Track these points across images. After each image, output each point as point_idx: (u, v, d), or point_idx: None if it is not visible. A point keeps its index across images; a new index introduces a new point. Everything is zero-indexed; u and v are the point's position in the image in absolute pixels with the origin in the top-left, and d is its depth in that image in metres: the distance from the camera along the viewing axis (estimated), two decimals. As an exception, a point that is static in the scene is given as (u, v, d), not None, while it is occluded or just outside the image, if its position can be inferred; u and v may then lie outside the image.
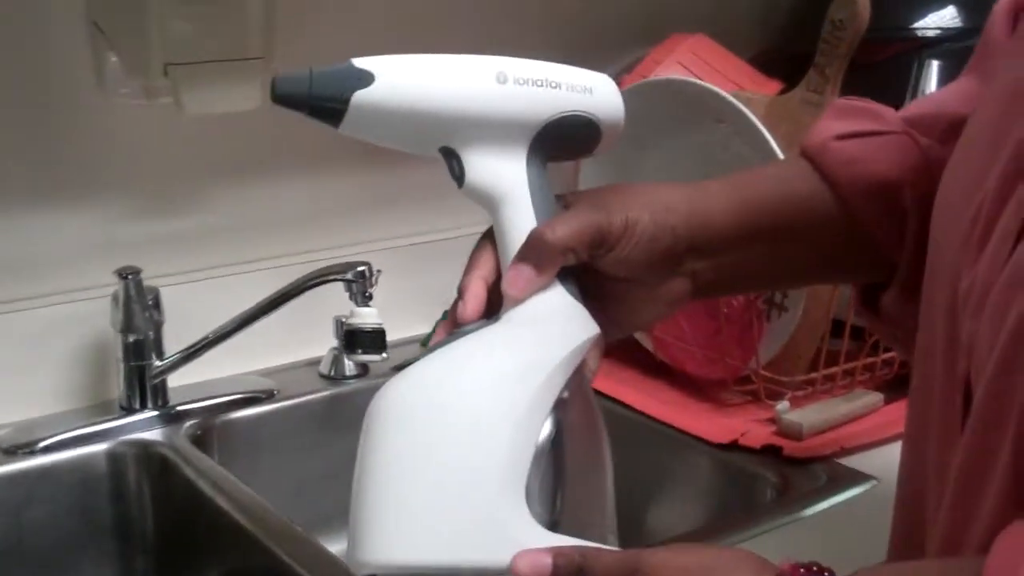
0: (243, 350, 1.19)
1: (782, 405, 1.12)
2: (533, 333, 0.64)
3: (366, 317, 1.05)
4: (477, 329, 0.65)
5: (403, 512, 0.59)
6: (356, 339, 1.05)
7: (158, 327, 1.12)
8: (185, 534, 1.07)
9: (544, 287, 0.66)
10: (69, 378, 1.14)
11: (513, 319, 0.65)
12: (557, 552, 0.58)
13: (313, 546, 0.92)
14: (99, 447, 1.08)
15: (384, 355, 1.07)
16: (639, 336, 1.25)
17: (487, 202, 0.67)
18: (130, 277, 1.07)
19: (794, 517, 0.96)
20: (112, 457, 1.08)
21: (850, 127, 0.74)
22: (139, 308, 1.09)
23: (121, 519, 1.09)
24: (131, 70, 1.09)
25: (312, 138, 1.17)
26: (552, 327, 0.65)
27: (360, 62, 0.64)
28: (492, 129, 0.66)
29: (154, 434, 1.11)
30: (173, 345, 1.13)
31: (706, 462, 1.09)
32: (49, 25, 1.09)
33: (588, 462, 0.66)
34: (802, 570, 0.55)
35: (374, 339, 1.05)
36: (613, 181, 1.22)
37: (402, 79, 0.64)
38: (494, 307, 0.67)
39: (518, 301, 0.65)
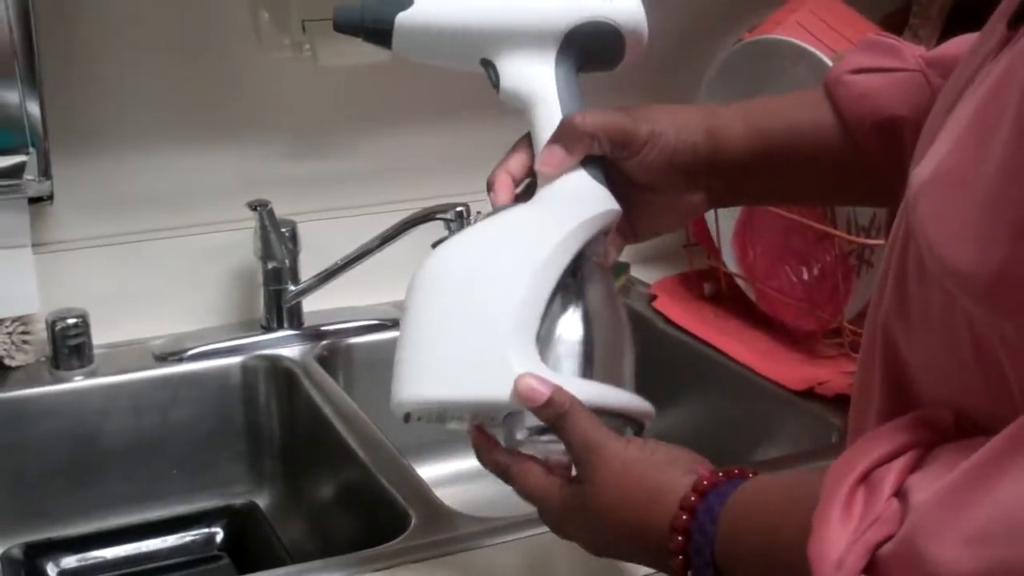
0: (379, 282, 1.30)
1: (868, 358, 1.15)
2: (552, 205, 0.73)
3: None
4: (508, 208, 0.74)
5: (425, 357, 0.69)
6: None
7: (294, 256, 1.24)
8: (305, 444, 1.19)
9: (572, 167, 0.74)
10: (219, 298, 1.29)
11: (538, 197, 0.74)
12: (557, 390, 0.65)
13: (406, 470, 1.01)
14: (235, 359, 1.22)
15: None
16: (744, 287, 1.30)
17: (522, 104, 0.76)
18: (259, 208, 1.20)
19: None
20: (245, 369, 1.22)
21: (868, 62, 0.78)
22: (275, 238, 1.22)
23: (251, 425, 1.22)
24: (277, 25, 1.22)
25: (440, 91, 1.28)
26: (571, 201, 0.73)
27: None
28: (520, 38, 0.75)
29: (286, 351, 1.23)
30: (309, 274, 1.26)
31: (784, 406, 1.14)
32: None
33: (612, 335, 0.73)
34: (720, 474, 0.62)
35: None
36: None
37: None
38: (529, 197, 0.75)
39: (549, 178, 0.74)
